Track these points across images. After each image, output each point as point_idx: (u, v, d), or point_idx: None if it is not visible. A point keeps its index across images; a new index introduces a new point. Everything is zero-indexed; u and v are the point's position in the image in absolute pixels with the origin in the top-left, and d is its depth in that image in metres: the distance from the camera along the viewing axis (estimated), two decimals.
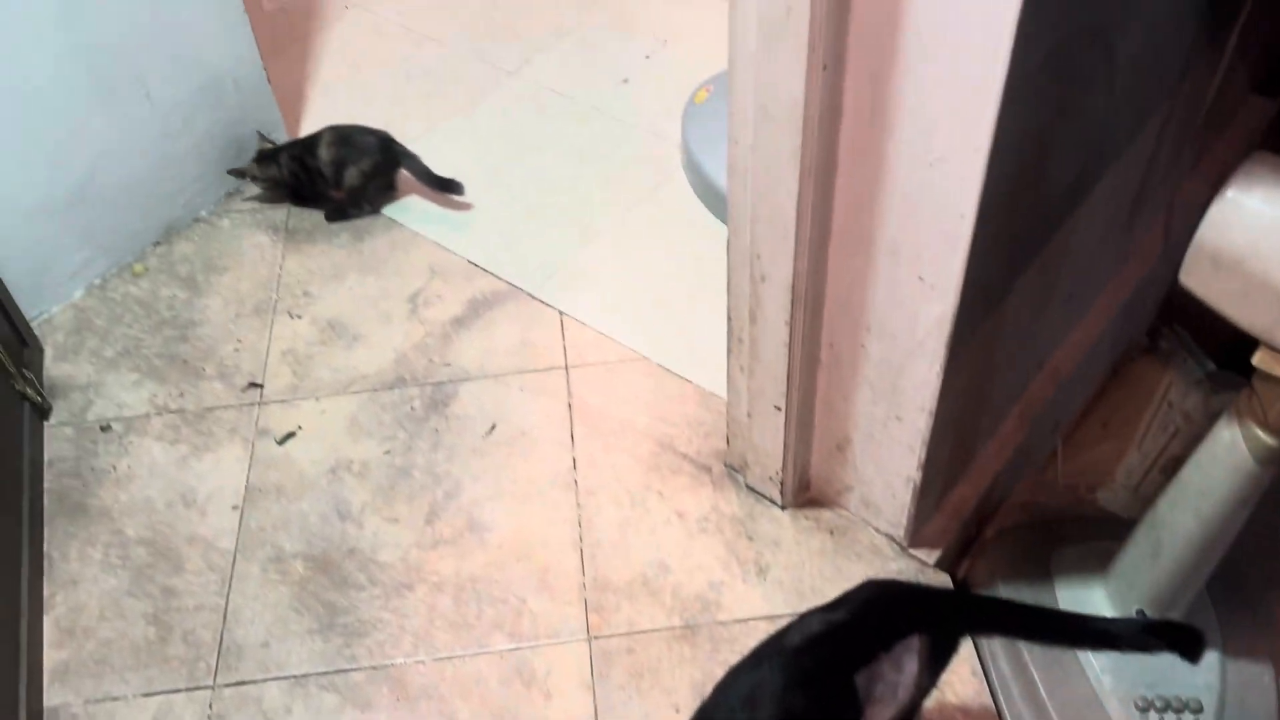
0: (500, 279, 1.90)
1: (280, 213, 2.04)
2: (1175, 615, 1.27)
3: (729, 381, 1.46)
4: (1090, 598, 1.36)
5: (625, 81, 2.28)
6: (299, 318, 1.86)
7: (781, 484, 1.50)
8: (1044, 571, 1.45)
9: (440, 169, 2.00)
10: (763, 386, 1.39)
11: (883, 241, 1.17)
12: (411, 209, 2.04)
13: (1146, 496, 1.88)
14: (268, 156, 2.00)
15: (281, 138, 2.11)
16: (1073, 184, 1.32)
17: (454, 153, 2.12)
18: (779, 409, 1.39)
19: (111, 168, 1.85)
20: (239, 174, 2.02)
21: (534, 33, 2.42)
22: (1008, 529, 1.58)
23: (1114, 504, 1.85)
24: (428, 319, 1.84)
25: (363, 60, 2.38)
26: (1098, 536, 1.49)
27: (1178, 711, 1.30)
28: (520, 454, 1.63)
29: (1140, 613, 1.29)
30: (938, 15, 0.95)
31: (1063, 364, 1.68)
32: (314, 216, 2.03)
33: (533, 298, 1.86)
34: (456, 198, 2.01)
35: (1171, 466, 1.89)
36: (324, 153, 1.96)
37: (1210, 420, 1.14)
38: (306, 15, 2.51)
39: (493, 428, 1.67)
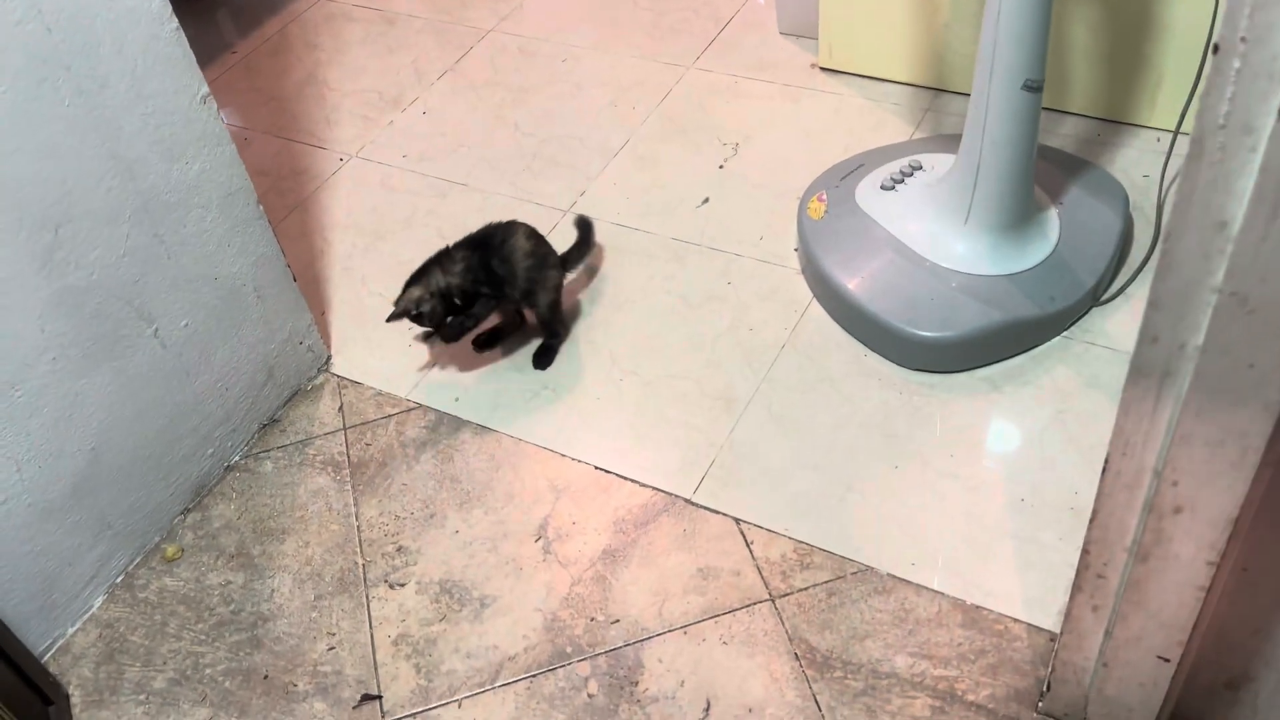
0: (644, 485, 1.49)
1: (336, 443, 1.60)
2: None
3: (1070, 621, 1.07)
4: None
5: (706, 201, 1.90)
6: (400, 586, 1.42)
7: None
8: None
9: (514, 342, 1.67)
10: (1140, 634, 1.01)
11: None
12: (501, 405, 1.62)
13: None
14: (418, 278, 1.58)
15: (315, 344, 1.68)
16: None
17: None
18: (1167, 660, 1.01)
19: (120, 435, 1.40)
20: (404, 316, 1.58)
21: (578, 159, 2.03)
22: None
23: None
24: (569, 558, 1.42)
25: (380, 222, 1.96)
26: None
27: None
28: None
29: None
30: None
31: None
32: (381, 439, 1.60)
33: (693, 504, 1.46)
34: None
35: None
36: (521, 244, 1.59)
37: None
38: (295, 176, 2.09)
39: (708, 708, 1.25)
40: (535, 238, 1.63)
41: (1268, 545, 0.93)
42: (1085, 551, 1.00)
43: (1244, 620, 1.00)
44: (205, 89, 1.37)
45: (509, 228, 1.62)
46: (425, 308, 1.55)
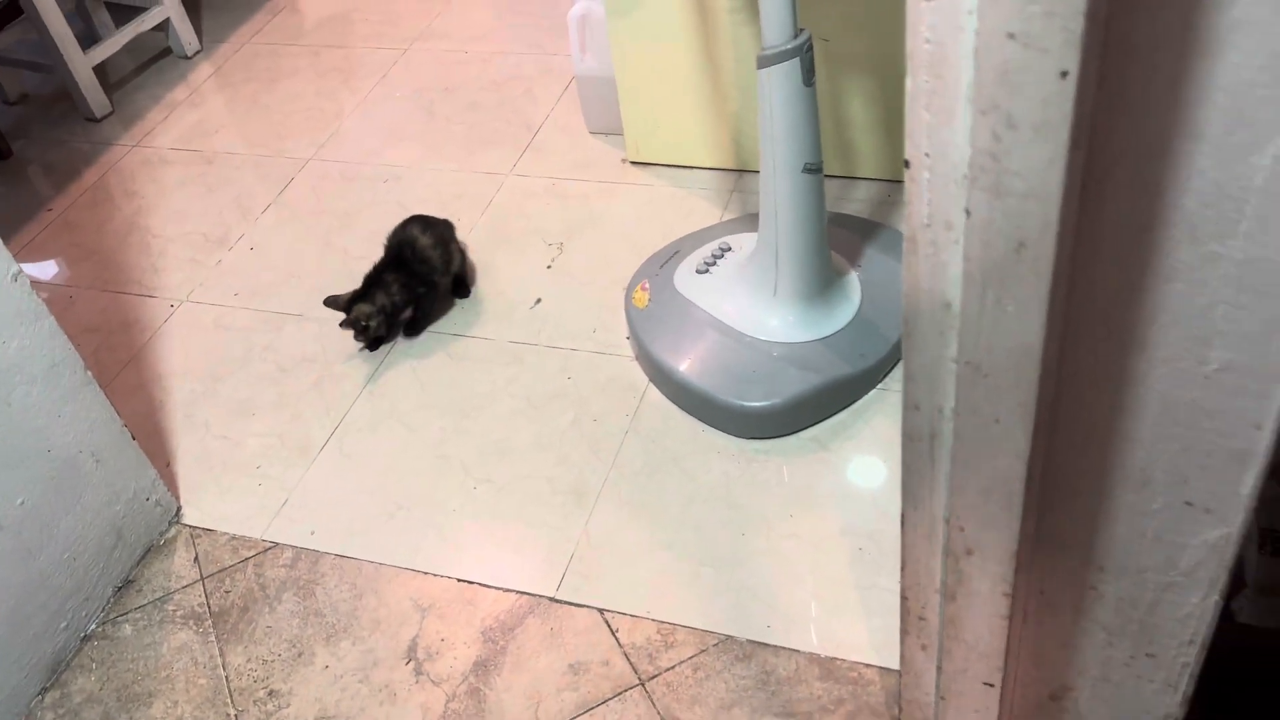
0: (508, 590, 1.53)
1: (195, 595, 1.59)
2: None
3: (905, 662, 1.16)
4: None
5: (539, 302, 1.97)
6: None
7: None
8: None
9: (366, 469, 1.70)
10: (964, 666, 1.10)
11: (1126, 474, 0.92)
12: (357, 531, 1.64)
13: None
14: (362, 296, 1.87)
15: (163, 497, 1.67)
16: None
17: (378, 443, 1.75)
18: (991, 685, 1.10)
19: None
20: (353, 326, 1.87)
21: None
22: None
23: None
24: (441, 676, 1.44)
25: (218, 363, 1.96)
26: None
27: None
28: None
29: None
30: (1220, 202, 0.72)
31: None
32: (241, 584, 1.59)
33: (557, 601, 1.51)
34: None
35: None
36: (422, 240, 1.91)
37: None
38: (125, 328, 2.08)
39: None
40: (427, 224, 1.93)
41: (1055, 569, 1.03)
42: (904, 598, 1.09)
43: (1052, 636, 1.10)
44: (16, 268, 1.38)
45: (405, 232, 1.92)
46: (374, 322, 1.85)
